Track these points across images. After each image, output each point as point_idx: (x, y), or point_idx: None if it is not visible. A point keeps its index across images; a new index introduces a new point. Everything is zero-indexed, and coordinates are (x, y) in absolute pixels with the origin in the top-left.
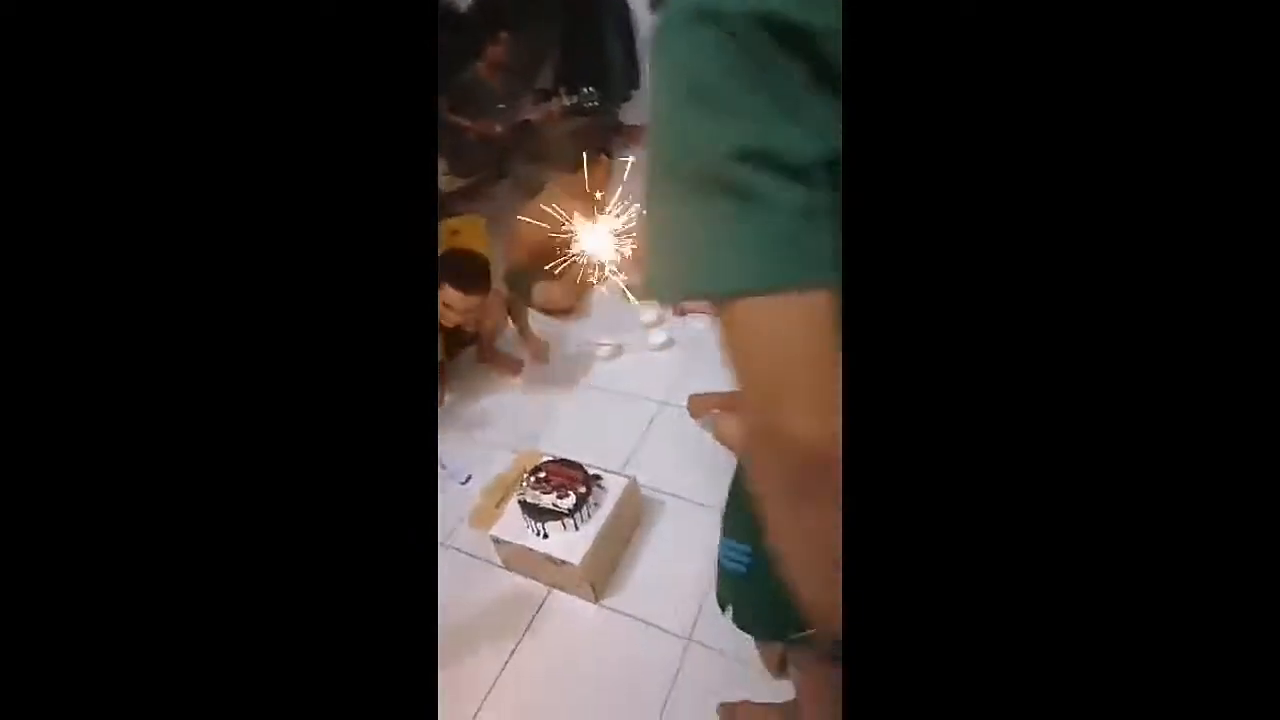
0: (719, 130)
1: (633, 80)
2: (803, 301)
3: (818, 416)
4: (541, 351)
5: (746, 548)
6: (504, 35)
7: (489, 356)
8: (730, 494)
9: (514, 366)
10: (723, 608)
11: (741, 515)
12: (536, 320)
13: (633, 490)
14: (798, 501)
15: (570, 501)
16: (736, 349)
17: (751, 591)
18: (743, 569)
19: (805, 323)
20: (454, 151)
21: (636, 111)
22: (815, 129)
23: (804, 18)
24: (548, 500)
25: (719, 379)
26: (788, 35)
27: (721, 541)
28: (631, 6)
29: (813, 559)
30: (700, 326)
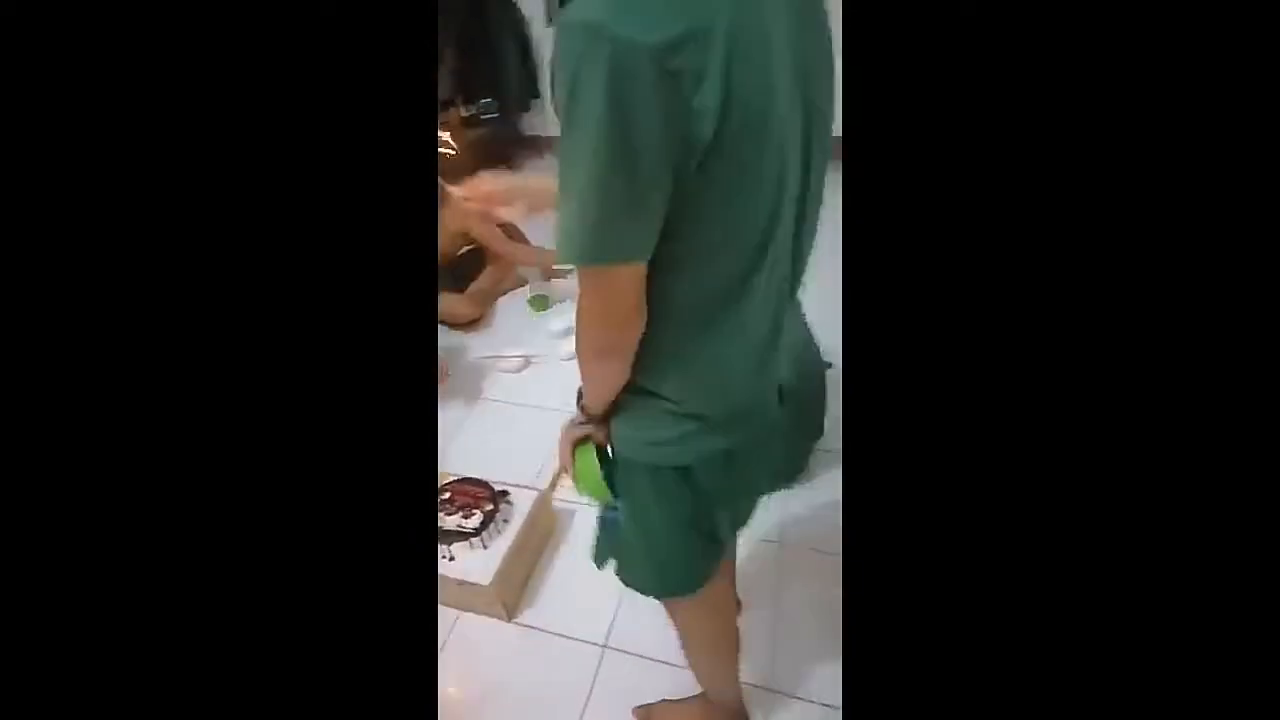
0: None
1: (531, 90)
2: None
3: None
4: (442, 369)
5: (619, 502)
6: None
7: None
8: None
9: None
10: (600, 564)
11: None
12: (439, 333)
13: (542, 503)
14: None
15: (476, 520)
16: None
17: (626, 545)
18: (616, 521)
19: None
20: None
21: (536, 122)
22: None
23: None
24: (452, 522)
25: None
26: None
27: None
28: (528, 18)
29: None
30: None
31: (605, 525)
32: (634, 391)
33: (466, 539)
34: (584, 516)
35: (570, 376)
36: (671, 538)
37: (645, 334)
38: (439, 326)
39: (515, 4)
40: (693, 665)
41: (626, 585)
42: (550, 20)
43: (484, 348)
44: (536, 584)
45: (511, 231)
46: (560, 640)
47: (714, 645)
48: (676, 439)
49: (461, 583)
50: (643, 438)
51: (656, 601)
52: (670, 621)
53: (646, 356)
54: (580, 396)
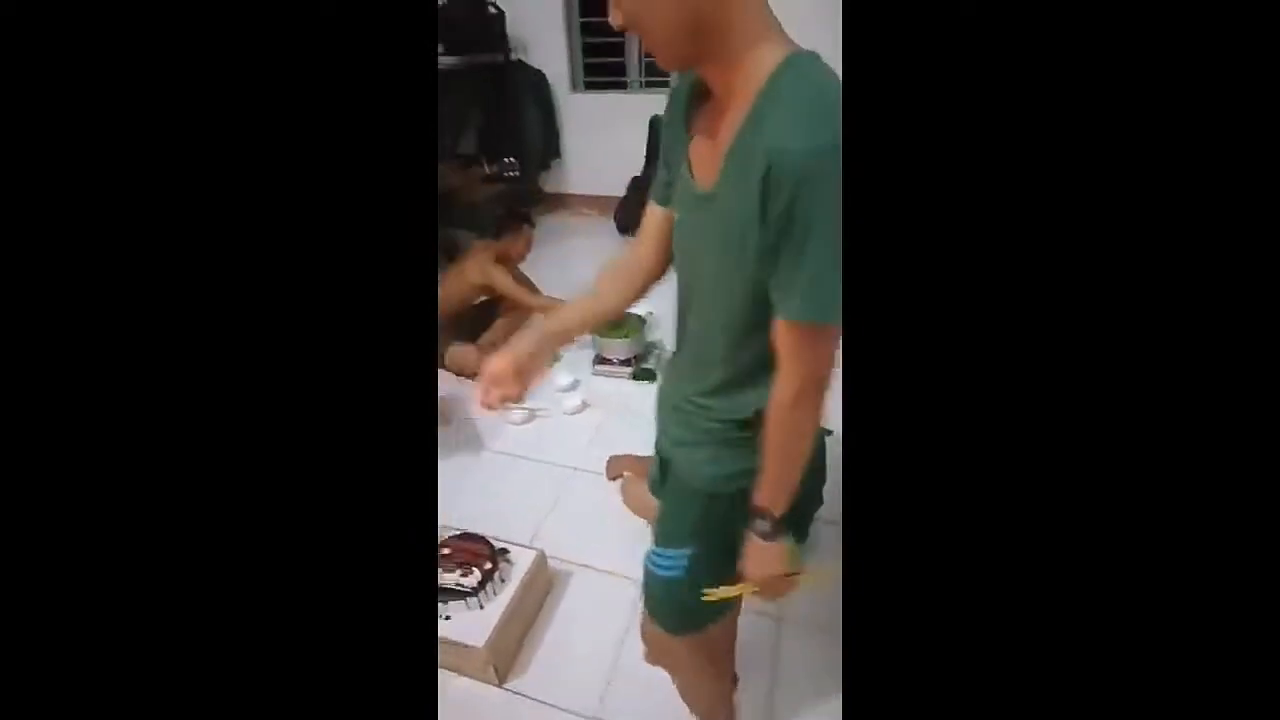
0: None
1: (552, 150)
2: None
3: None
4: (444, 411)
5: (685, 551)
6: None
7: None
8: (665, 504)
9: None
10: (653, 614)
11: (676, 522)
12: (446, 382)
13: (541, 563)
14: None
15: (474, 579)
16: None
17: (682, 592)
18: (680, 573)
19: None
20: None
21: (555, 179)
22: None
23: None
24: (450, 579)
25: (635, 443)
26: None
27: (654, 551)
28: (551, 83)
29: None
30: (611, 390)
31: (662, 571)
32: (729, 425)
33: (463, 598)
34: (581, 578)
35: (574, 432)
36: (723, 565)
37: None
38: (449, 375)
39: (540, 71)
40: (700, 703)
41: (666, 628)
42: (574, 87)
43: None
44: (531, 648)
45: (526, 284)
46: (552, 711)
47: (722, 675)
48: (757, 467)
49: (455, 644)
50: (732, 470)
51: (649, 673)
52: (675, 668)
53: (750, 393)
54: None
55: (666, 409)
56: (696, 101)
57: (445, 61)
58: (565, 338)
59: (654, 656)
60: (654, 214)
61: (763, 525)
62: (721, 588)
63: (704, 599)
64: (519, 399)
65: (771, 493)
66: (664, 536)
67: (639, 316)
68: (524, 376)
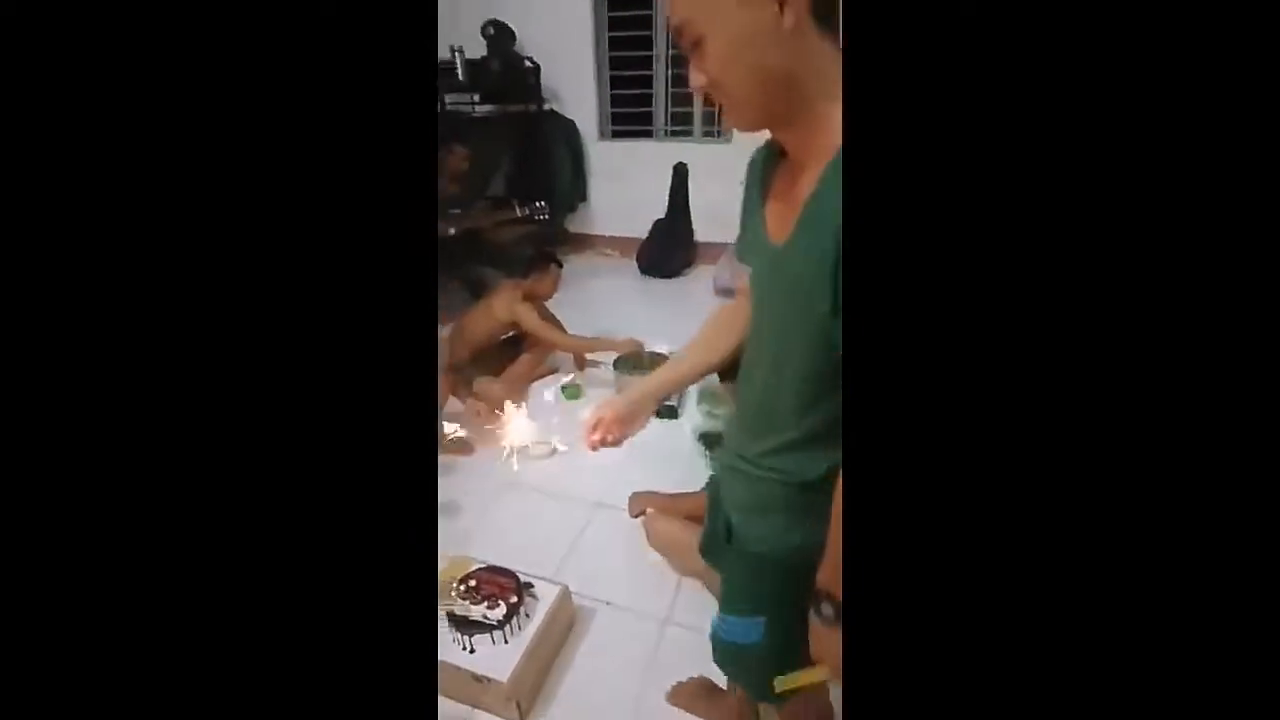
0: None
1: (580, 194)
2: None
3: None
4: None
5: (757, 620)
6: (462, 150)
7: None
8: (731, 568)
9: (465, 448)
10: (733, 679)
11: (745, 589)
12: (473, 413)
13: (565, 598)
14: None
15: (501, 613)
16: None
17: (757, 658)
18: (752, 641)
19: None
20: None
21: (581, 222)
22: None
23: None
24: (477, 612)
25: (658, 481)
26: None
27: (721, 617)
28: (581, 130)
29: None
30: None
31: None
32: (799, 489)
33: (489, 631)
34: (605, 615)
35: (595, 467)
36: (797, 633)
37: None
38: (476, 407)
39: (571, 120)
40: None
41: (752, 695)
42: (602, 135)
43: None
44: (553, 683)
45: (551, 322)
46: None
47: None
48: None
49: (478, 677)
50: (806, 542)
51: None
52: None
53: (821, 453)
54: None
55: (727, 467)
56: (772, 163)
57: (481, 110)
58: (672, 388)
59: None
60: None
61: (826, 609)
62: (790, 675)
63: (776, 689)
64: (618, 443)
65: (835, 574)
66: (731, 602)
67: (660, 355)
68: (626, 424)
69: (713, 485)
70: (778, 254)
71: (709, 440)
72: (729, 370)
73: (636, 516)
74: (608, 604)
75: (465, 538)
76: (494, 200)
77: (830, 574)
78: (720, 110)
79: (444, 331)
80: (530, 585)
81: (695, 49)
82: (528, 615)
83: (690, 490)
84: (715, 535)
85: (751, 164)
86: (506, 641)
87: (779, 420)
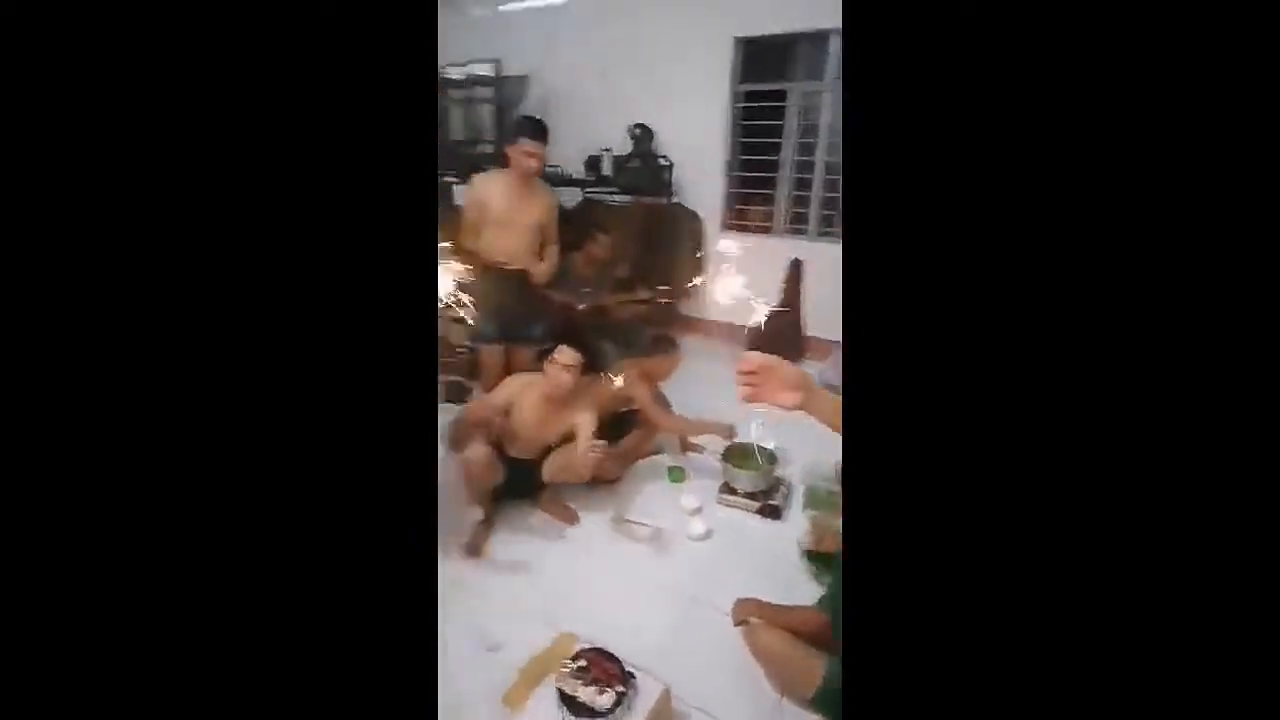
0: None
1: (699, 281)
2: None
3: None
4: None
5: None
6: (606, 239)
7: (548, 504)
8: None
9: (569, 515)
10: None
11: None
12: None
13: (666, 700)
14: None
15: (609, 700)
16: None
17: None
18: None
19: None
20: (550, 316)
21: (695, 306)
22: None
23: None
24: (586, 694)
25: (757, 584)
26: None
27: None
28: (703, 219)
29: None
30: (737, 522)
31: None
32: None
33: (596, 718)
34: None
35: (696, 560)
36: None
37: None
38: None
39: (696, 213)
40: None
41: None
42: (724, 228)
43: (618, 506)
44: None
45: (662, 402)
46: None
47: None
48: None
49: None
50: None
51: None
52: None
53: None
54: None
55: None
56: None
57: (618, 199)
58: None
59: None
60: None
61: None
62: None
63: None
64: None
65: None
66: None
67: (770, 451)
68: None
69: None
70: None
71: (818, 563)
72: None
73: (739, 624)
74: (704, 713)
75: (561, 606)
76: (619, 280)
77: None
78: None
79: (519, 382)
80: (633, 676)
81: None
82: (629, 709)
83: (796, 604)
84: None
85: None
86: None
87: None
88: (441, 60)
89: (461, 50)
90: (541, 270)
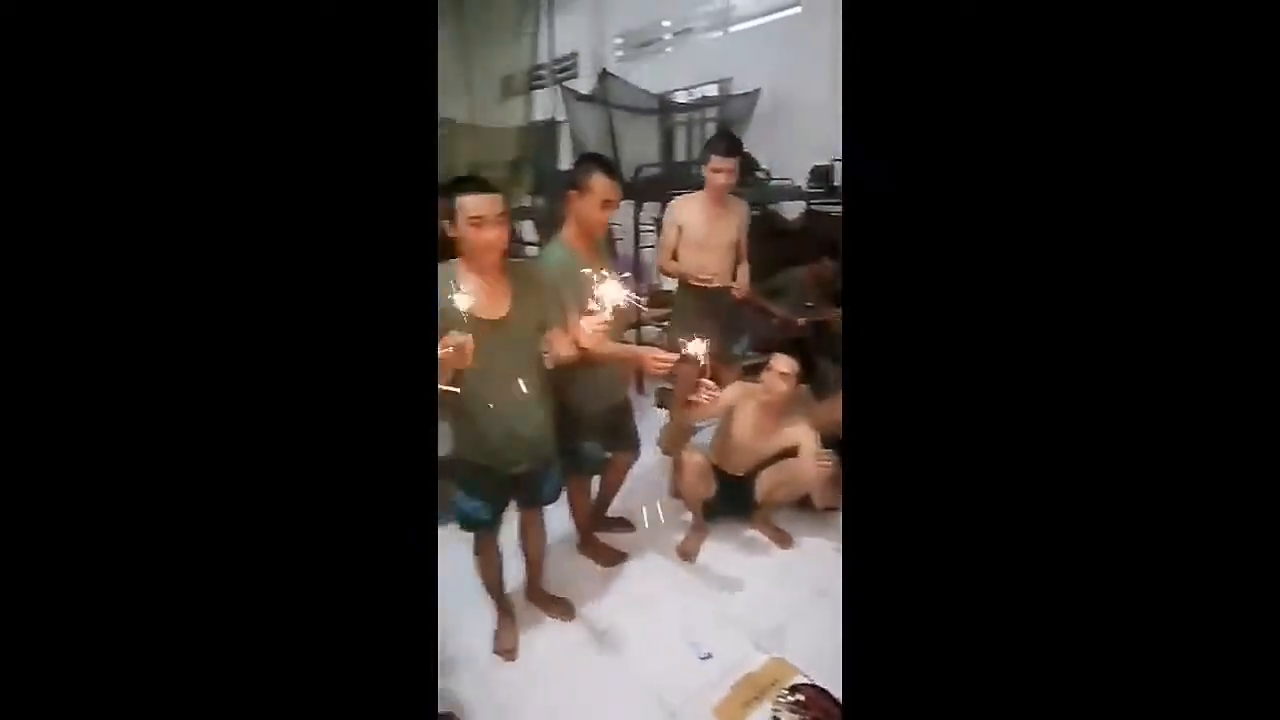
0: None
1: None
2: None
3: None
4: (783, 538)
5: None
6: (832, 265)
7: (761, 524)
8: None
9: (783, 538)
10: None
11: None
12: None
13: None
14: None
15: None
16: None
17: None
18: None
19: None
20: (754, 330)
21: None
22: None
23: None
24: None
25: None
26: None
27: None
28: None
29: None
30: None
31: None
32: None
33: None
34: None
35: None
36: None
37: None
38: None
39: None
40: None
41: None
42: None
43: (828, 536)
44: None
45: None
46: None
47: None
48: None
49: None
50: None
51: None
52: None
53: None
54: None
55: None
56: None
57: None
58: None
59: None
60: None
61: None
62: None
63: None
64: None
65: None
66: None
67: None
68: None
69: None
70: None
71: None
72: None
73: None
74: None
75: (778, 633)
76: (839, 295)
77: None
78: None
79: (734, 392)
80: None
81: None
82: None
83: None
84: None
85: None
86: None
87: None
88: (668, 85)
89: (693, 74)
90: (741, 285)
